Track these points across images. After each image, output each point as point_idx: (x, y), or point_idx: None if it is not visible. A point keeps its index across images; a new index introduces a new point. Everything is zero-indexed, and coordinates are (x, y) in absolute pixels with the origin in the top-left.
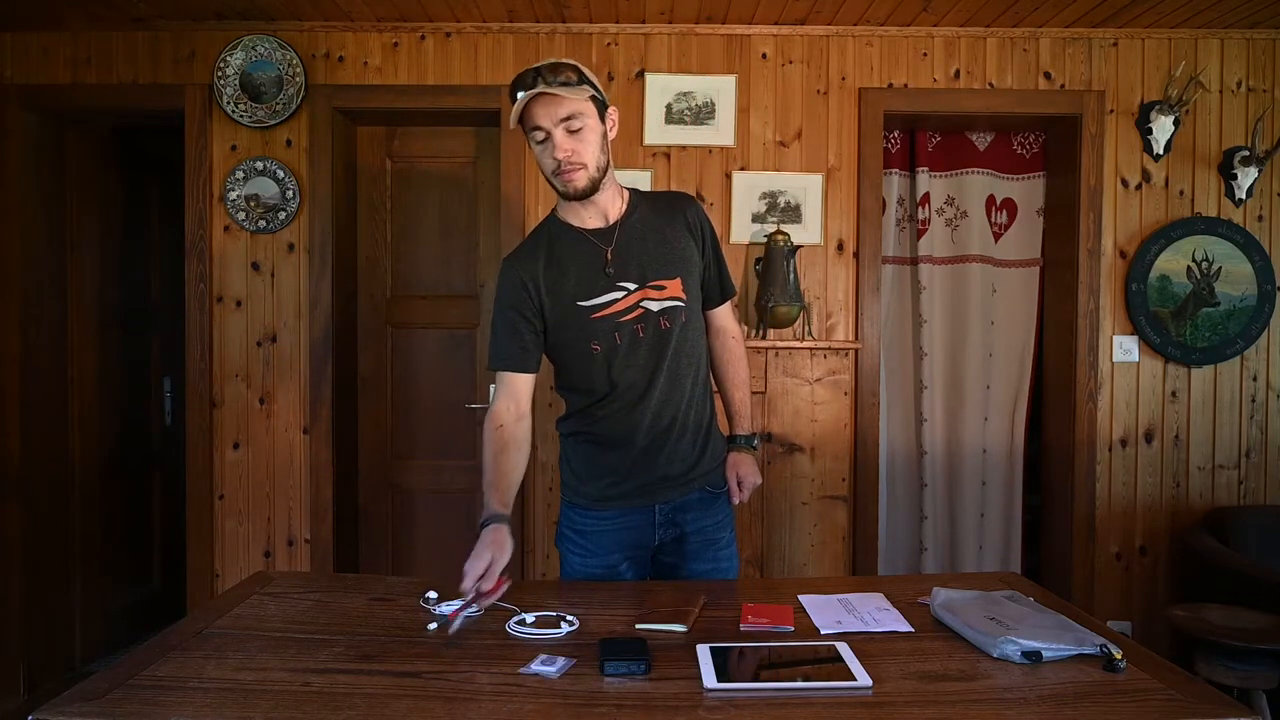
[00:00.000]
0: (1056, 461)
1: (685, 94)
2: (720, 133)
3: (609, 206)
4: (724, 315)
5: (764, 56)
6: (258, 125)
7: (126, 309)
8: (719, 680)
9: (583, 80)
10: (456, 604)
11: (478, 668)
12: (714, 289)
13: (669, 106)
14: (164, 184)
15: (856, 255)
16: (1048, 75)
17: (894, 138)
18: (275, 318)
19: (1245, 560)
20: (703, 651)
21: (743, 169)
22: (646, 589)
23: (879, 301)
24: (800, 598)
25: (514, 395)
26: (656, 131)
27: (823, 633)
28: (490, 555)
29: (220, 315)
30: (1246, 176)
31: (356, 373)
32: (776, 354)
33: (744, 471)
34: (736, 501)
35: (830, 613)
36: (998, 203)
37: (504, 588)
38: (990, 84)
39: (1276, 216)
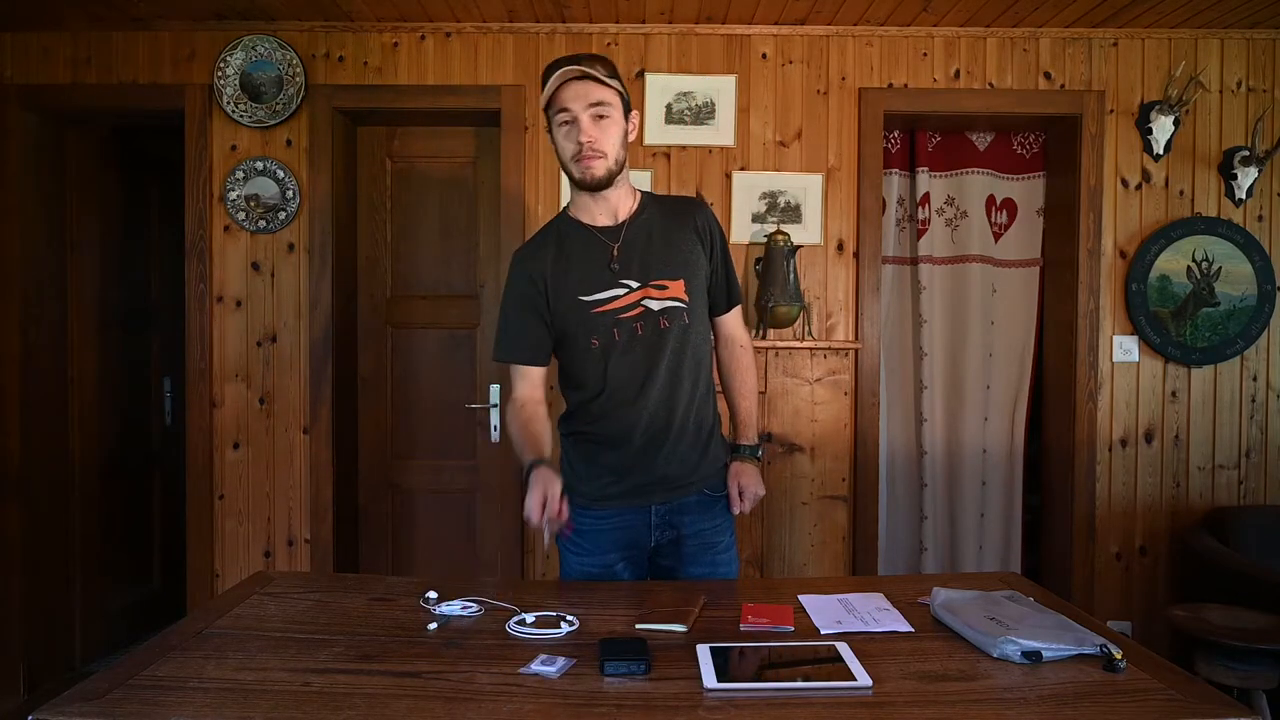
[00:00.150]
0: (1056, 461)
1: (685, 94)
2: (720, 133)
3: (620, 205)
4: (732, 323)
5: (764, 56)
6: (258, 125)
7: (126, 309)
8: (719, 680)
9: (614, 76)
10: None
11: (478, 668)
12: (720, 295)
13: (669, 106)
14: (164, 184)
15: (856, 255)
16: (1048, 75)
17: (894, 138)
18: (275, 318)
19: (1245, 560)
20: (703, 651)
21: (743, 169)
22: (646, 589)
23: (879, 301)
24: (800, 598)
25: (532, 383)
26: (656, 131)
27: (823, 633)
28: (543, 488)
29: (220, 315)
30: (1246, 176)
31: (356, 373)
32: (776, 354)
33: (746, 481)
34: (736, 511)
35: (830, 613)
36: (998, 203)
37: (565, 511)
38: (990, 84)
39: (1276, 216)
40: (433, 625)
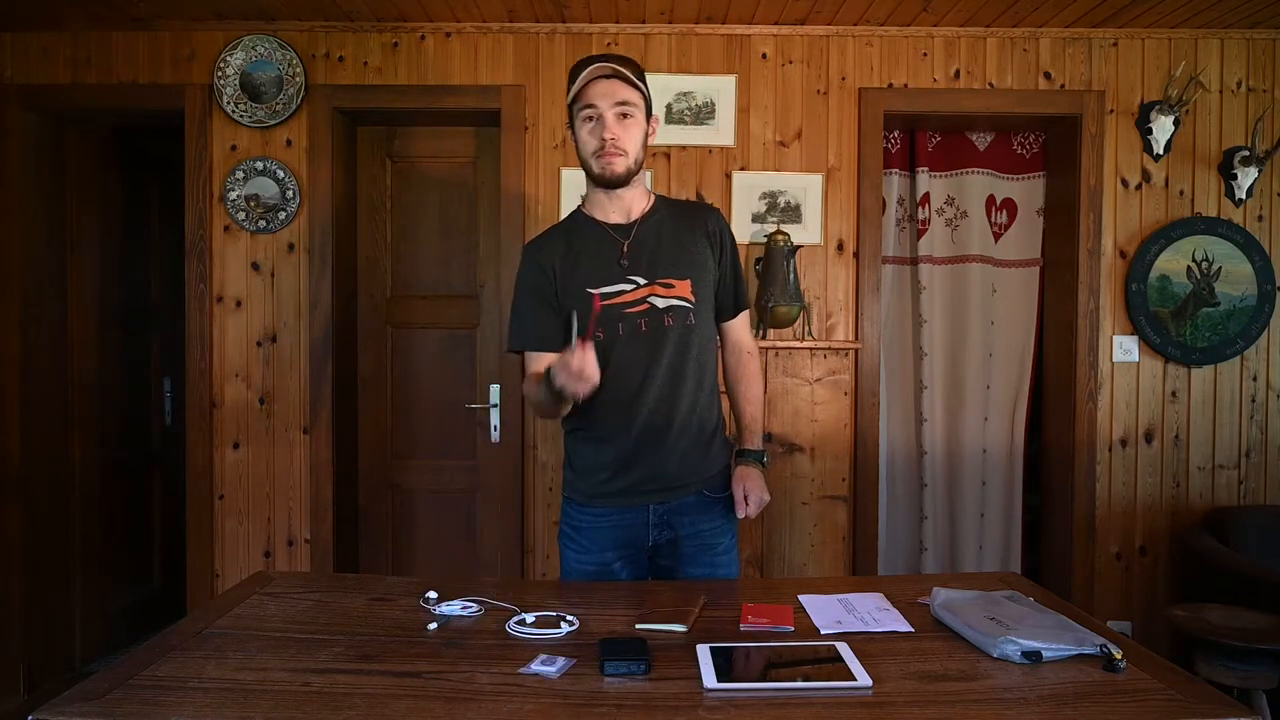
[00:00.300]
0: (1056, 461)
1: (685, 94)
2: (720, 133)
3: (633, 204)
4: (739, 330)
5: (764, 56)
6: (258, 125)
7: (126, 309)
8: (719, 680)
9: (641, 78)
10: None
11: (478, 668)
12: (728, 300)
13: (669, 106)
14: (164, 184)
15: (856, 255)
16: (1048, 75)
17: (894, 138)
18: (275, 318)
19: (1245, 560)
20: (703, 651)
21: (743, 169)
22: (646, 589)
23: (879, 301)
24: (800, 598)
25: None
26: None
27: (823, 633)
28: (566, 360)
29: (220, 315)
30: (1246, 176)
31: (356, 373)
32: (776, 354)
33: (751, 485)
34: (742, 515)
35: (830, 613)
36: (998, 203)
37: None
38: (990, 84)
39: (1276, 216)
40: (433, 625)
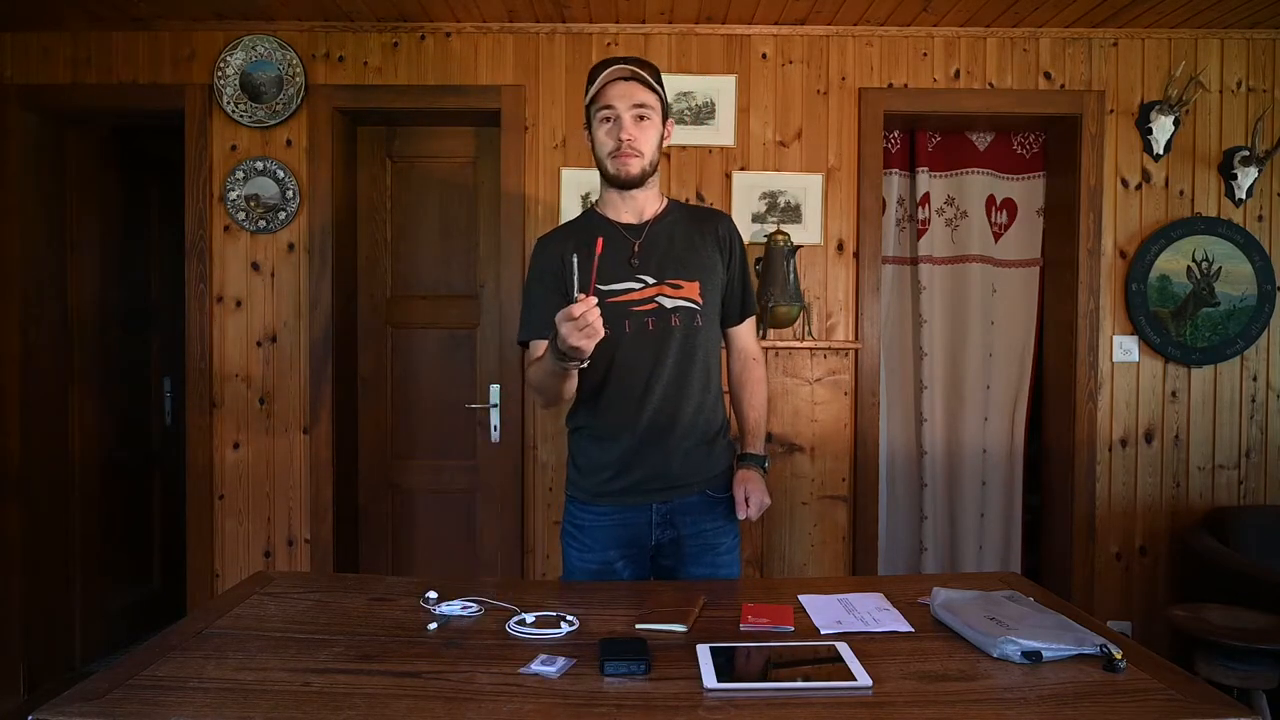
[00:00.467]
0: (1056, 461)
1: (685, 94)
2: (720, 133)
3: (646, 206)
4: (745, 335)
5: (764, 56)
6: (258, 125)
7: (126, 309)
8: (719, 680)
9: (659, 82)
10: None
11: (478, 668)
12: (735, 305)
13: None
14: (164, 184)
15: (856, 255)
16: (1048, 75)
17: (894, 138)
18: (275, 318)
19: (1245, 560)
20: (703, 651)
21: (743, 169)
22: (646, 589)
23: (879, 301)
24: (800, 598)
25: None
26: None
27: (823, 633)
28: (568, 312)
29: (220, 315)
30: (1246, 176)
31: (356, 373)
32: (776, 354)
33: (752, 488)
34: (742, 516)
35: (830, 613)
36: (998, 203)
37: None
38: (990, 84)
39: (1276, 216)
40: (433, 625)
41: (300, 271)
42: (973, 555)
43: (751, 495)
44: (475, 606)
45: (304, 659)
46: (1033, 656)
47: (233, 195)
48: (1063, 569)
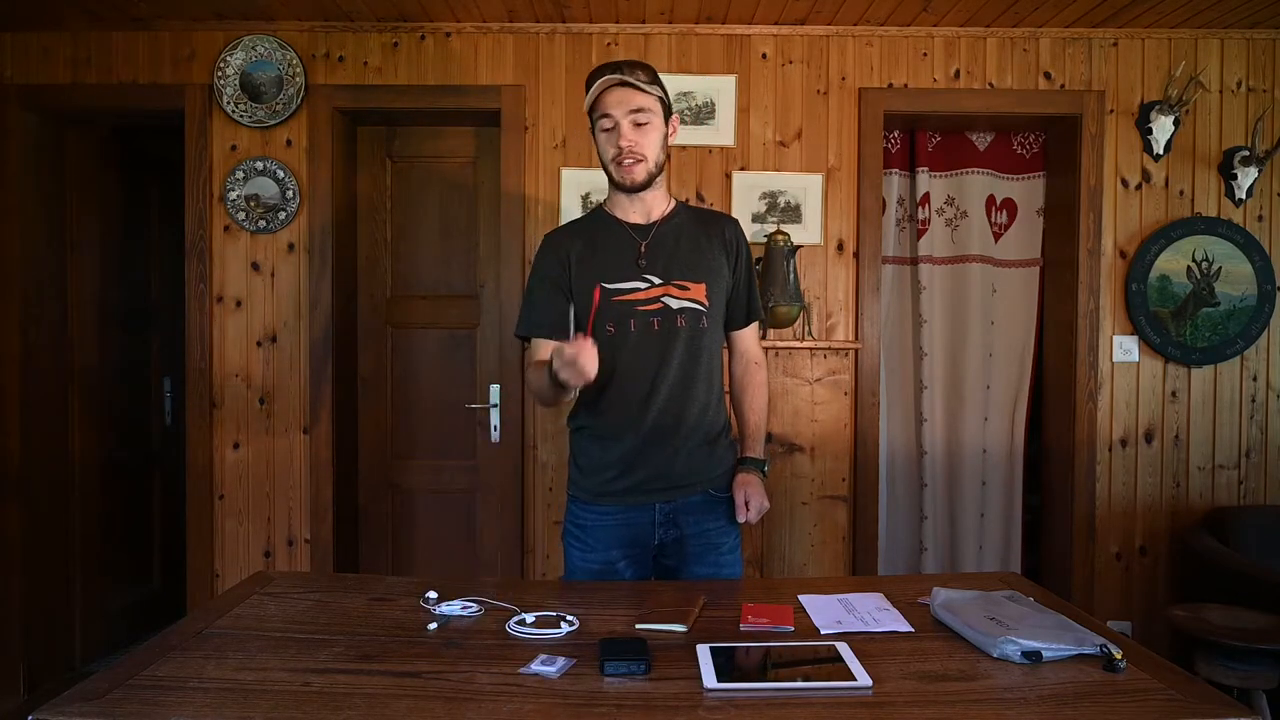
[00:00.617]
0: (1056, 461)
1: (685, 94)
2: (720, 133)
3: (654, 206)
4: (748, 339)
5: (764, 56)
6: (258, 125)
7: (126, 309)
8: (719, 680)
9: (655, 81)
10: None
11: (478, 668)
12: (739, 309)
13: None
14: (164, 184)
15: (856, 255)
16: (1048, 75)
17: (894, 138)
18: (275, 318)
19: (1245, 560)
20: (703, 651)
21: (743, 169)
22: (646, 589)
23: (879, 301)
24: (800, 598)
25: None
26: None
27: (823, 633)
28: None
29: (220, 315)
30: (1246, 176)
31: (356, 373)
32: (776, 354)
33: (752, 491)
34: (743, 520)
35: (830, 613)
36: (998, 203)
37: (588, 342)
38: (990, 84)
39: (1276, 216)
40: (433, 625)
41: (300, 271)
42: (973, 555)
43: (751, 499)
44: (475, 606)
45: (304, 659)
46: (1033, 656)
47: (233, 195)
48: (1063, 569)
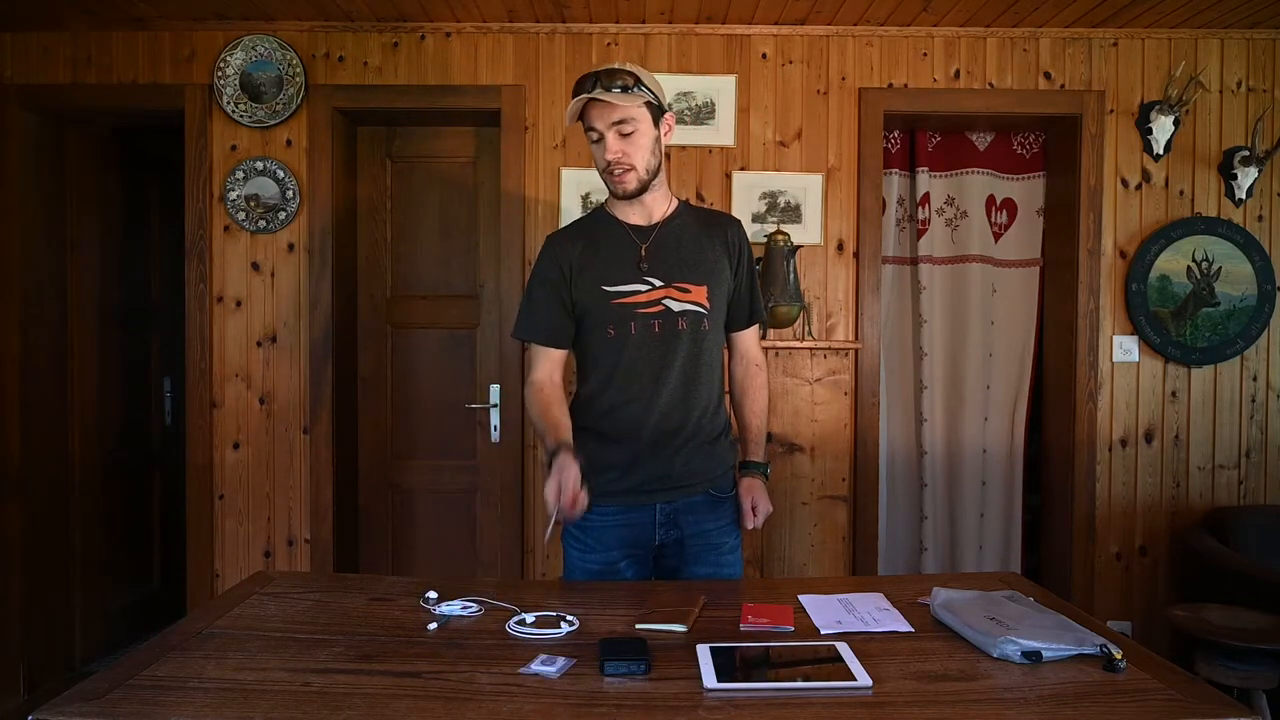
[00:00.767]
0: (1056, 461)
1: (685, 94)
2: (720, 133)
3: (655, 208)
4: (749, 340)
5: (764, 56)
6: (258, 125)
7: (126, 309)
8: (719, 680)
9: (639, 86)
10: (551, 521)
11: (478, 668)
12: (741, 311)
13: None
14: (164, 184)
15: (856, 255)
16: (1048, 75)
17: (894, 138)
18: (275, 318)
19: (1245, 560)
20: (703, 651)
21: (743, 169)
22: (647, 589)
23: (879, 301)
24: (800, 598)
25: (551, 365)
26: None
27: (823, 633)
28: (558, 476)
29: (220, 315)
30: (1246, 176)
31: (356, 373)
32: (776, 354)
33: (759, 498)
34: (750, 526)
35: (830, 613)
36: (998, 203)
37: (582, 502)
38: (990, 84)
39: (1276, 216)
40: (433, 625)
41: (300, 271)
42: (973, 555)
43: (759, 505)
44: (475, 606)
45: (304, 659)
46: (1033, 656)
47: (233, 195)
48: (1063, 569)
